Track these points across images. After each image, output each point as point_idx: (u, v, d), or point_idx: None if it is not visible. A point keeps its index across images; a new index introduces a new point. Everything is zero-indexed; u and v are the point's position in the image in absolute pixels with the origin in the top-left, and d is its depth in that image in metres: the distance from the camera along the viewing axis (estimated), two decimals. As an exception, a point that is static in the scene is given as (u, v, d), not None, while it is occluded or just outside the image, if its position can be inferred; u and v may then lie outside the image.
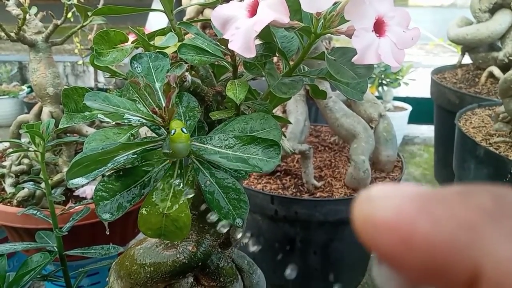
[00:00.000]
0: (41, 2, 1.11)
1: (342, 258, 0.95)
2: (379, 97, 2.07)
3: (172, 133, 0.37)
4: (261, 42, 0.47)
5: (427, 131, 2.34)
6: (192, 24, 0.50)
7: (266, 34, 0.46)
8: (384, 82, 2.16)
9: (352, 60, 0.41)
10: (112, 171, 0.42)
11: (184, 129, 0.37)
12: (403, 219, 0.12)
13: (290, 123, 0.92)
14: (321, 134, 1.19)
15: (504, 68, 1.54)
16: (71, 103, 0.47)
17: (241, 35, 0.41)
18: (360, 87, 0.49)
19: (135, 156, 0.41)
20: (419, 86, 2.25)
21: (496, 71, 1.57)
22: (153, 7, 0.54)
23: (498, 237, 0.11)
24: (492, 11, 1.60)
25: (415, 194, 0.12)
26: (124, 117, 0.39)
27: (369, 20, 0.41)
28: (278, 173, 1.00)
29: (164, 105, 0.39)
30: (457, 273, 0.11)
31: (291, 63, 0.50)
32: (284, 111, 1.01)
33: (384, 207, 0.12)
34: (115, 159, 0.40)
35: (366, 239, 0.13)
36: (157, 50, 0.45)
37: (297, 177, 0.98)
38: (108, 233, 0.55)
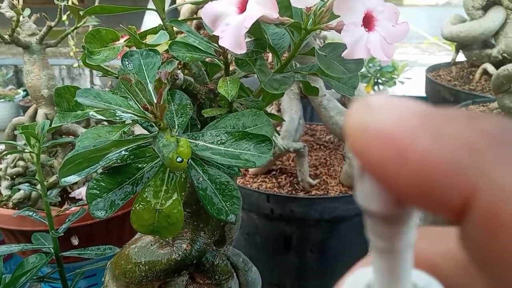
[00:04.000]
0: (35, 6, 1.11)
1: (339, 256, 0.95)
2: (374, 96, 2.08)
3: (177, 160, 0.36)
4: (251, 38, 0.47)
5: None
6: (184, 22, 0.50)
7: (257, 31, 0.46)
8: (379, 81, 2.17)
9: (342, 55, 0.41)
10: (104, 169, 0.42)
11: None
12: (403, 131, 0.11)
13: (284, 120, 0.92)
14: (316, 133, 1.20)
15: (498, 65, 1.54)
16: (63, 102, 0.47)
17: (231, 32, 0.41)
18: (351, 82, 0.49)
19: (127, 153, 0.42)
20: (415, 85, 2.26)
21: (490, 68, 1.58)
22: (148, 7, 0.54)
23: (500, 162, 0.11)
24: (485, 8, 1.61)
25: (419, 109, 0.11)
26: (116, 114, 0.39)
27: (358, 14, 0.41)
28: (274, 172, 1.00)
29: (155, 101, 0.39)
30: (450, 195, 0.11)
31: (283, 60, 0.50)
32: (279, 110, 1.02)
33: (384, 116, 0.11)
34: (107, 156, 0.40)
35: (357, 148, 0.12)
36: (149, 48, 0.45)
37: (293, 176, 0.98)
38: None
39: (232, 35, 0.40)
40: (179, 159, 0.36)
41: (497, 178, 0.10)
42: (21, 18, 0.86)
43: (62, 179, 0.39)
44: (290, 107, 0.98)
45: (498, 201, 0.10)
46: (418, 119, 0.11)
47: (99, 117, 0.41)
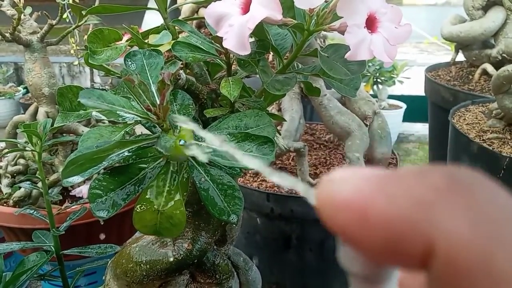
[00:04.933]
0: (36, 3, 1.11)
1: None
2: (374, 96, 2.08)
3: (180, 143, 0.36)
4: (254, 39, 0.47)
5: (422, 128, 2.35)
6: (186, 22, 0.50)
7: (260, 31, 0.46)
8: (379, 80, 2.17)
9: (345, 56, 0.41)
10: (106, 169, 0.42)
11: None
12: (360, 197, 0.12)
13: (285, 120, 0.93)
14: (316, 132, 1.20)
15: (497, 65, 1.54)
16: (66, 102, 0.47)
17: (235, 33, 0.41)
18: (353, 83, 0.49)
19: (130, 153, 0.42)
20: (414, 84, 2.26)
21: (490, 68, 1.58)
22: (149, 6, 0.54)
23: (449, 212, 0.11)
24: (485, 8, 1.61)
25: (373, 175, 0.13)
26: (119, 115, 0.39)
27: (361, 16, 0.41)
28: (274, 171, 1.00)
29: (158, 102, 0.39)
30: (412, 249, 0.12)
31: (285, 60, 0.50)
32: (279, 110, 1.02)
33: (343, 187, 0.13)
34: (109, 157, 0.40)
35: (326, 219, 0.13)
36: (151, 48, 0.45)
37: (293, 175, 0.98)
38: (103, 238, 0.56)
39: (235, 36, 0.40)
40: (181, 142, 0.36)
41: (450, 228, 0.11)
42: (22, 16, 0.86)
43: (65, 180, 0.39)
44: (290, 107, 0.98)
45: (454, 249, 0.11)
46: (373, 185, 0.12)
47: (102, 117, 0.41)
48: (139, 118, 0.39)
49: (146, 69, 0.42)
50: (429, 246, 0.11)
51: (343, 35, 0.41)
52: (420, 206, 0.12)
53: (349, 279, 0.14)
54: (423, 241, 0.11)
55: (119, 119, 0.39)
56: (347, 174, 0.13)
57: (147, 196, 0.41)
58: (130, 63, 0.42)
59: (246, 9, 0.41)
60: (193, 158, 0.44)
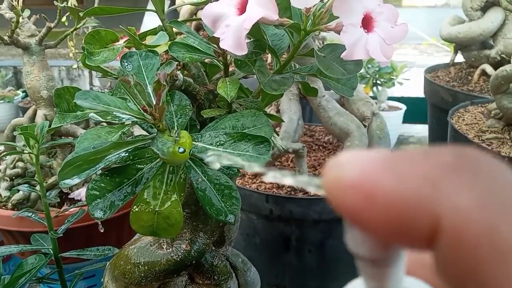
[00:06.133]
0: (34, 7, 1.11)
1: (337, 256, 0.95)
2: (373, 97, 2.08)
3: (179, 151, 0.36)
4: (251, 39, 0.47)
5: (422, 130, 2.35)
6: (183, 23, 0.50)
7: (256, 32, 0.46)
8: (378, 82, 2.17)
9: (341, 56, 0.41)
10: (104, 170, 0.42)
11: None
12: (366, 177, 0.12)
13: (283, 121, 0.93)
14: (315, 134, 1.20)
15: (496, 66, 1.54)
16: (63, 103, 0.47)
17: (231, 33, 0.41)
18: (350, 83, 0.49)
19: (127, 154, 0.42)
20: (414, 86, 2.26)
21: (489, 68, 1.58)
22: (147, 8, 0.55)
23: (457, 188, 0.11)
24: (484, 9, 1.61)
25: (379, 156, 0.13)
26: (115, 116, 0.39)
27: (357, 16, 0.41)
28: (273, 173, 1.00)
29: (154, 103, 0.39)
30: (419, 226, 0.12)
31: (282, 61, 0.50)
32: (278, 111, 1.02)
33: (349, 169, 0.13)
34: (106, 158, 0.40)
35: (334, 202, 0.13)
36: (148, 48, 0.45)
37: (292, 176, 0.98)
38: (102, 230, 0.55)
39: (232, 36, 0.40)
40: (181, 150, 0.36)
41: (457, 203, 0.11)
42: (20, 19, 0.86)
43: (62, 182, 0.39)
44: (289, 108, 0.98)
45: (461, 224, 0.11)
46: (380, 165, 0.12)
47: (99, 118, 0.41)
48: (135, 119, 0.39)
49: (143, 69, 0.42)
50: (436, 222, 0.11)
51: (339, 34, 0.41)
52: (426, 183, 0.12)
53: (356, 263, 0.14)
54: (430, 218, 0.12)
55: (116, 120, 0.39)
56: (353, 156, 0.13)
57: (144, 197, 0.41)
58: (126, 64, 0.42)
59: (242, 9, 0.41)
60: (190, 158, 0.44)
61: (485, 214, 0.11)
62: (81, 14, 0.73)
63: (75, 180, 0.41)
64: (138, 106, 0.39)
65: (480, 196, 0.11)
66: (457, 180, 0.12)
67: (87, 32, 0.49)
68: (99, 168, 0.40)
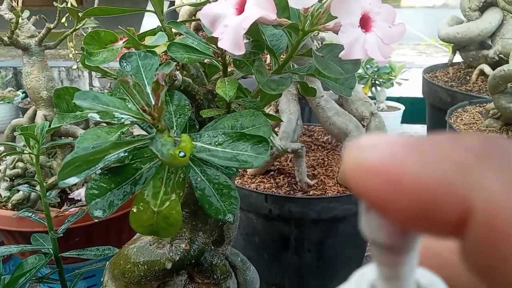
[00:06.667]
0: (34, 8, 1.11)
1: (337, 256, 0.95)
2: (372, 97, 2.08)
3: (180, 155, 0.36)
4: (249, 40, 0.47)
5: (420, 130, 2.35)
6: (182, 23, 0.51)
7: (254, 32, 0.46)
8: (377, 82, 2.18)
9: (339, 56, 0.42)
10: (103, 169, 0.43)
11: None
12: (393, 162, 0.12)
13: (282, 121, 0.93)
14: (314, 134, 1.20)
15: (494, 66, 1.55)
16: (62, 103, 0.47)
17: (230, 33, 0.41)
18: (349, 83, 0.50)
19: (126, 154, 0.42)
20: (412, 86, 2.26)
21: (487, 68, 1.58)
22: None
23: (487, 172, 0.11)
24: (482, 9, 1.61)
25: (405, 141, 0.12)
26: (114, 116, 0.40)
27: (355, 15, 0.41)
28: (272, 172, 1.01)
29: (153, 103, 0.39)
30: (447, 213, 0.11)
31: (281, 61, 0.51)
32: (277, 111, 1.02)
33: (374, 152, 0.12)
34: (106, 158, 0.40)
35: (355, 185, 0.12)
36: (147, 49, 0.46)
37: (291, 176, 0.98)
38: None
39: (230, 36, 0.40)
40: (181, 154, 0.36)
41: (489, 189, 0.11)
42: (20, 20, 0.86)
43: (61, 182, 0.40)
44: (288, 108, 0.98)
45: (494, 211, 0.11)
46: (406, 149, 0.12)
47: (98, 119, 0.41)
48: (134, 119, 0.40)
49: (141, 70, 0.42)
50: (467, 209, 0.11)
51: (337, 34, 0.42)
52: (457, 169, 0.11)
53: (371, 249, 0.14)
54: (460, 204, 0.11)
55: (115, 120, 0.40)
56: (376, 139, 0.13)
57: (143, 197, 0.42)
58: (125, 64, 0.43)
59: (241, 9, 0.42)
60: (190, 158, 0.44)
61: None
62: (80, 14, 0.73)
63: (74, 180, 0.41)
64: (137, 106, 0.39)
65: None
66: (488, 166, 0.11)
67: (86, 33, 0.50)
68: (99, 167, 0.41)
